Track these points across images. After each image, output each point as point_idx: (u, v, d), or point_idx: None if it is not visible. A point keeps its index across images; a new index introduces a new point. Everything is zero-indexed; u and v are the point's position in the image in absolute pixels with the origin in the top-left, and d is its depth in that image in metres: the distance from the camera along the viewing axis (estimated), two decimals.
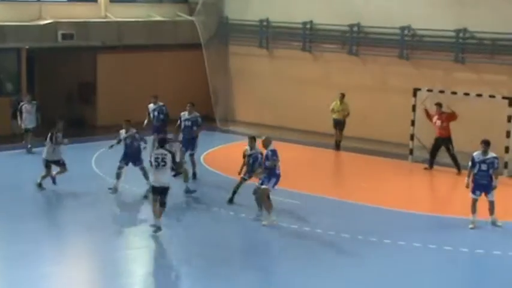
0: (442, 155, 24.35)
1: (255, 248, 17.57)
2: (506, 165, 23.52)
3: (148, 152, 22.41)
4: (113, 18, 30.22)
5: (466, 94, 24.42)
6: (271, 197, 19.02)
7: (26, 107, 25.76)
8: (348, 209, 20.41)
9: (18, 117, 25.80)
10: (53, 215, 20.15)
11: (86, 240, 17.83)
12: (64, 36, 28.40)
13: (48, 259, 16.38)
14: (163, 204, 17.65)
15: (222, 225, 18.56)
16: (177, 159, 18.93)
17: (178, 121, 22.77)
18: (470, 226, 18.58)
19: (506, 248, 17.28)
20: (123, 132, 21.07)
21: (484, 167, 18.57)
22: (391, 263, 16.50)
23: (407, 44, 27.15)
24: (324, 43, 29.31)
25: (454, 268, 16.34)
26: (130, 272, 16.25)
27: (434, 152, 24.30)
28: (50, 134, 20.86)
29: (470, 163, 18.77)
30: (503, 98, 23.82)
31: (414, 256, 16.93)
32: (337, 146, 27.13)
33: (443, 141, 24.00)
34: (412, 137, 25.43)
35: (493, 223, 18.68)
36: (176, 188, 19.05)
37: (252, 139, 19.63)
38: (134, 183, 21.16)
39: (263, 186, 18.42)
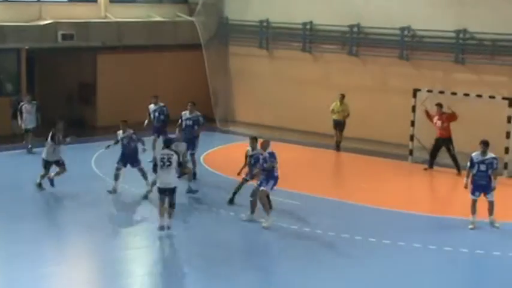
0: (442, 156, 24.36)
1: (255, 249, 17.58)
2: (506, 166, 23.52)
3: (148, 153, 22.59)
4: (113, 19, 30.23)
5: (466, 95, 24.43)
6: (271, 197, 19.06)
7: (26, 107, 25.76)
8: (348, 209, 20.42)
9: (19, 118, 25.80)
10: (53, 215, 20.14)
11: (86, 241, 17.83)
12: (64, 37, 28.41)
13: (48, 259, 16.39)
14: (172, 205, 17.64)
15: (222, 225, 18.56)
16: (181, 158, 18.95)
17: (180, 120, 22.78)
18: (470, 227, 18.58)
19: (506, 249, 17.28)
20: (120, 132, 21.07)
21: (483, 167, 18.58)
22: (391, 263, 16.50)
23: (407, 44, 27.16)
24: (324, 44, 29.31)
25: (454, 269, 16.34)
26: (130, 272, 16.25)
27: (434, 152, 24.31)
28: (51, 134, 20.86)
29: (469, 163, 18.77)
30: (503, 98, 23.83)
31: (414, 257, 16.93)
32: (338, 147, 27.13)
33: (444, 142, 24.00)
34: (412, 138, 25.43)
35: (491, 224, 18.67)
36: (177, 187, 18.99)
37: (254, 140, 19.63)
38: (134, 183, 21.16)
39: (262, 188, 18.41)
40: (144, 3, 32.07)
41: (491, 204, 18.64)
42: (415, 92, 25.21)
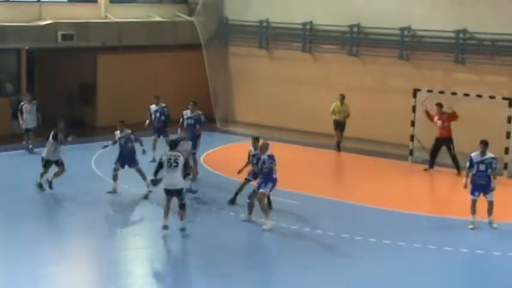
0: (442, 156, 24.35)
1: (255, 248, 17.58)
2: (506, 166, 23.51)
3: (148, 155, 22.61)
4: (113, 19, 30.23)
5: (466, 95, 24.43)
6: (271, 197, 19.08)
7: (27, 106, 25.78)
8: (348, 209, 20.41)
9: (20, 117, 25.81)
10: (53, 216, 20.14)
11: (86, 241, 17.84)
12: (64, 37, 28.41)
13: (48, 259, 16.39)
14: (182, 206, 17.63)
15: (222, 225, 18.55)
16: (185, 155, 18.96)
17: (181, 120, 22.81)
18: (470, 227, 18.58)
19: (506, 249, 17.28)
20: (117, 133, 21.09)
21: (482, 167, 18.57)
22: (391, 263, 16.50)
23: (407, 44, 27.15)
24: (323, 44, 29.30)
25: (454, 269, 16.34)
26: (129, 272, 16.25)
27: (434, 152, 24.29)
28: (52, 133, 20.85)
29: (468, 163, 18.77)
30: (503, 98, 23.82)
31: (414, 257, 16.93)
32: (338, 147, 27.12)
33: (444, 141, 23.99)
34: (412, 138, 25.43)
35: (490, 224, 18.64)
36: None
37: (255, 139, 19.64)
38: (133, 183, 21.16)
39: (260, 191, 18.40)
40: (144, 3, 32.07)
41: (490, 204, 18.63)
42: (415, 92, 25.20)
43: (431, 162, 24.36)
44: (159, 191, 18.50)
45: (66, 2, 30.13)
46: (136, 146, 21.20)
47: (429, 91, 25.17)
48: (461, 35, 25.84)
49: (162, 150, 24.27)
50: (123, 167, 20.99)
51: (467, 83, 25.57)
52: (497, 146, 21.58)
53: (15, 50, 28.57)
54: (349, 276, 15.75)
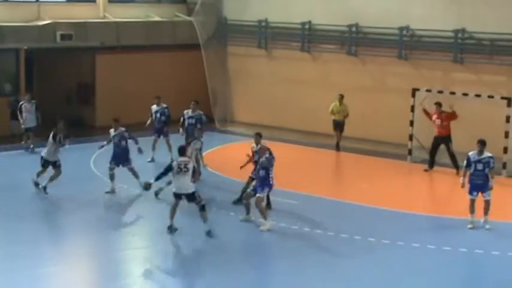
0: (441, 155, 24.35)
1: (254, 248, 17.58)
2: (504, 166, 23.51)
3: (147, 154, 22.60)
4: (112, 19, 30.22)
5: (465, 94, 24.43)
6: (271, 198, 19.10)
7: (26, 106, 25.79)
8: (347, 209, 20.42)
9: (19, 117, 25.80)
10: (52, 215, 20.12)
11: (85, 240, 17.83)
12: (63, 37, 28.41)
13: (48, 259, 16.38)
14: (202, 208, 17.60)
15: (222, 225, 18.52)
16: (194, 153, 18.95)
17: (182, 119, 22.83)
18: (469, 226, 18.58)
19: (505, 248, 17.28)
20: (112, 131, 21.14)
21: (479, 166, 18.56)
22: (390, 263, 16.50)
23: (406, 44, 27.16)
24: (322, 43, 29.32)
25: (453, 268, 16.34)
26: (129, 272, 16.25)
27: (433, 151, 24.28)
28: (52, 134, 20.82)
29: (465, 162, 18.76)
30: (502, 98, 23.83)
31: (413, 256, 16.93)
32: (337, 147, 27.11)
33: (443, 140, 23.98)
34: (411, 138, 25.44)
35: (484, 223, 18.54)
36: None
37: (258, 136, 19.66)
38: (132, 183, 21.15)
39: (257, 195, 18.38)
40: (143, 3, 32.06)
41: (487, 204, 18.57)
42: (414, 91, 25.21)
43: (431, 162, 24.33)
44: (155, 191, 18.47)
45: (64, 1, 30.13)
46: (131, 144, 21.19)
47: (428, 91, 25.18)
48: (460, 35, 25.85)
49: (162, 150, 24.48)
50: (118, 165, 21.01)
51: (466, 83, 25.59)
52: (496, 146, 21.61)
53: (14, 50, 28.56)
54: (349, 276, 15.76)
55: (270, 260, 17.05)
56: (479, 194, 18.62)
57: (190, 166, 17.49)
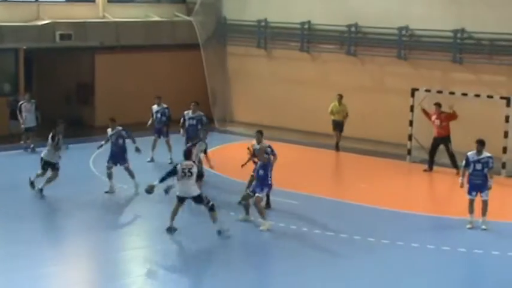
0: (440, 155, 24.36)
1: (253, 248, 17.57)
2: (504, 166, 23.52)
3: (146, 154, 22.57)
4: (111, 19, 30.22)
5: (464, 94, 24.44)
6: (271, 198, 19.08)
7: (26, 105, 25.80)
8: (347, 209, 20.42)
9: (19, 117, 25.80)
10: (51, 215, 20.11)
11: (85, 240, 17.82)
12: (62, 37, 28.41)
13: (47, 259, 16.38)
14: (210, 209, 17.60)
15: (221, 225, 18.51)
16: (198, 153, 18.93)
17: (182, 120, 22.83)
18: (468, 226, 18.58)
19: (505, 248, 17.29)
20: (109, 130, 21.18)
21: (478, 166, 18.55)
22: (390, 263, 16.50)
23: (405, 44, 27.18)
24: (321, 43, 29.33)
25: (452, 268, 16.33)
26: (128, 272, 16.24)
27: (432, 152, 24.28)
28: (51, 135, 20.78)
29: (464, 162, 18.76)
30: (502, 98, 23.84)
31: (412, 256, 16.94)
32: (337, 147, 27.11)
33: (442, 140, 23.99)
34: (410, 137, 25.44)
35: (481, 223, 18.50)
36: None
37: (259, 134, 19.66)
38: (131, 183, 21.12)
39: (256, 195, 18.37)
40: (142, 3, 32.07)
41: (484, 204, 18.53)
42: (413, 91, 25.21)
43: (431, 162, 24.32)
44: (159, 192, 18.47)
45: (64, 1, 30.13)
46: (129, 143, 21.20)
47: (427, 90, 25.19)
48: (459, 35, 25.86)
49: (162, 150, 24.49)
50: (115, 164, 21.03)
51: (465, 83, 25.60)
52: (495, 146, 21.61)
53: (13, 49, 28.55)
54: (348, 276, 15.75)
55: (270, 260, 17.05)
56: (478, 194, 18.63)
57: (194, 170, 17.47)
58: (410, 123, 25.37)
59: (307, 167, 24.97)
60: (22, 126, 25.84)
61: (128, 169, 21.04)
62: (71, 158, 22.07)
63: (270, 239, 17.95)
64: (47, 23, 28.37)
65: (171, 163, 24.29)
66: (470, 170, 18.61)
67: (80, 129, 28.86)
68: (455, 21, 25.79)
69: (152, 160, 24.53)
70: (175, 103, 25.43)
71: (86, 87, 30.77)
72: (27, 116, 25.72)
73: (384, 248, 17.30)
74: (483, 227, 18.45)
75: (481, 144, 18.64)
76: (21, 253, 16.43)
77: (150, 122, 24.85)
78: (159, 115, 24.70)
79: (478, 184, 18.56)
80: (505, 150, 23.59)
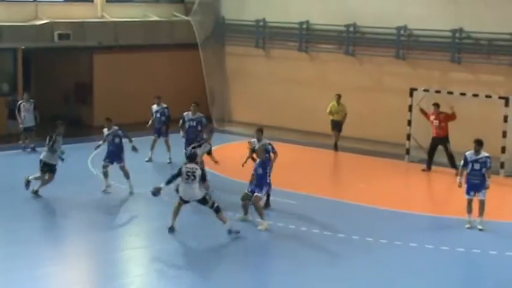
0: (439, 155, 24.37)
1: (252, 248, 17.57)
2: (502, 166, 23.54)
3: (145, 154, 22.55)
4: (109, 18, 30.21)
5: (463, 94, 24.47)
6: (271, 197, 19.10)
7: (25, 105, 25.80)
8: (345, 209, 20.43)
9: (18, 117, 25.79)
10: (51, 215, 20.11)
11: (84, 240, 17.82)
12: (60, 37, 28.40)
13: (46, 259, 16.37)
14: (216, 211, 17.60)
15: (220, 225, 18.51)
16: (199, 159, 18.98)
17: (181, 121, 22.78)
18: (467, 226, 18.59)
19: (503, 248, 17.30)
20: (105, 130, 21.19)
21: (476, 166, 18.55)
22: (388, 263, 16.51)
23: (404, 44, 27.18)
24: (320, 43, 29.33)
25: (450, 268, 16.35)
26: (127, 272, 16.24)
27: (431, 152, 24.28)
28: (49, 136, 20.73)
29: (462, 162, 18.76)
30: (500, 98, 23.86)
31: (411, 256, 16.94)
32: (336, 147, 27.11)
33: (441, 141, 24.00)
34: (408, 137, 25.45)
35: (478, 224, 18.49)
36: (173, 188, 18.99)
37: (259, 131, 19.66)
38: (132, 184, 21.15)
39: (255, 194, 18.37)
40: (141, 2, 32.08)
41: (481, 204, 18.51)
42: (412, 91, 25.24)
43: (429, 162, 24.34)
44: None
45: (62, 1, 30.12)
46: (126, 142, 21.19)
47: (426, 90, 25.21)
48: (457, 34, 25.86)
49: (161, 150, 24.50)
50: (112, 163, 21.05)
51: (463, 82, 25.61)
52: (493, 145, 21.62)
53: (12, 49, 28.54)
54: (346, 276, 15.76)
55: (268, 260, 17.06)
56: (476, 193, 18.62)
57: (198, 173, 17.45)
58: (409, 123, 25.39)
59: (305, 167, 24.98)
60: (21, 126, 25.84)
61: (123, 169, 21.02)
62: (69, 158, 21.99)
63: (269, 238, 17.96)
64: (45, 23, 28.36)
65: (170, 163, 24.38)
66: (468, 169, 18.61)
67: (79, 129, 28.85)
68: (453, 21, 25.80)
69: (150, 160, 24.54)
70: (173, 103, 25.42)
71: (84, 87, 30.77)
72: (26, 115, 25.73)
73: (382, 248, 17.31)
74: (479, 227, 18.44)
75: (479, 144, 18.64)
76: (20, 253, 16.43)
77: (150, 122, 24.83)
78: (158, 115, 24.70)
79: (476, 184, 18.56)
80: (503, 150, 23.61)
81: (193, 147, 20.00)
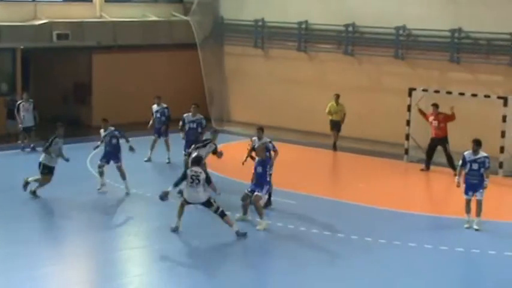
0: (438, 155, 24.37)
1: (251, 248, 17.57)
2: (501, 165, 23.54)
3: (144, 154, 22.53)
4: (108, 18, 30.21)
5: (461, 94, 24.48)
6: (272, 197, 19.12)
7: (24, 105, 25.80)
8: (344, 209, 20.43)
9: (17, 117, 25.79)
10: (50, 215, 20.09)
11: (83, 240, 17.82)
12: (59, 36, 28.40)
13: (45, 259, 16.37)
14: (221, 215, 17.59)
15: (219, 225, 18.50)
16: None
17: (181, 123, 22.73)
18: (466, 226, 18.59)
19: (502, 248, 17.31)
20: (102, 131, 21.23)
21: (475, 166, 18.55)
22: (387, 263, 16.51)
23: (403, 44, 27.20)
24: (319, 43, 29.34)
25: (449, 268, 16.36)
26: (126, 272, 16.24)
27: (430, 152, 24.28)
28: (48, 139, 20.69)
29: (461, 162, 18.76)
30: (499, 97, 23.87)
31: (410, 256, 16.95)
32: (335, 147, 27.12)
33: (440, 141, 24.00)
34: (407, 137, 25.46)
35: (475, 223, 18.47)
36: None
37: (260, 130, 19.66)
38: (131, 183, 21.12)
39: (256, 194, 18.37)
40: (140, 2, 32.07)
41: (479, 203, 18.49)
42: (411, 91, 25.25)
43: (428, 162, 24.34)
44: (157, 192, 18.46)
45: (61, 1, 30.11)
46: (123, 143, 21.20)
47: (424, 90, 25.22)
48: (456, 34, 25.88)
49: (160, 150, 24.50)
50: (108, 163, 21.07)
51: (462, 82, 25.62)
52: (492, 145, 21.63)
53: (10, 49, 28.54)
54: (345, 275, 15.77)
55: (267, 260, 17.05)
56: (474, 193, 18.63)
57: (202, 177, 17.44)
58: (408, 122, 25.40)
59: (304, 167, 24.98)
60: (20, 125, 25.84)
61: (119, 169, 21.01)
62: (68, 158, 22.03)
63: (268, 238, 17.97)
64: (44, 23, 28.35)
65: (168, 163, 24.38)
66: (467, 169, 18.61)
67: (77, 129, 28.84)
68: (452, 21, 25.81)
69: (149, 160, 24.53)
70: (172, 103, 25.41)
71: (83, 87, 30.76)
72: (26, 115, 25.73)
73: (381, 248, 17.31)
74: (475, 227, 18.41)
75: (477, 143, 18.64)
76: (19, 253, 16.43)
77: (151, 122, 24.81)
78: (158, 115, 24.69)
79: (474, 184, 18.56)
80: (502, 149, 23.62)
81: (197, 148, 19.98)
